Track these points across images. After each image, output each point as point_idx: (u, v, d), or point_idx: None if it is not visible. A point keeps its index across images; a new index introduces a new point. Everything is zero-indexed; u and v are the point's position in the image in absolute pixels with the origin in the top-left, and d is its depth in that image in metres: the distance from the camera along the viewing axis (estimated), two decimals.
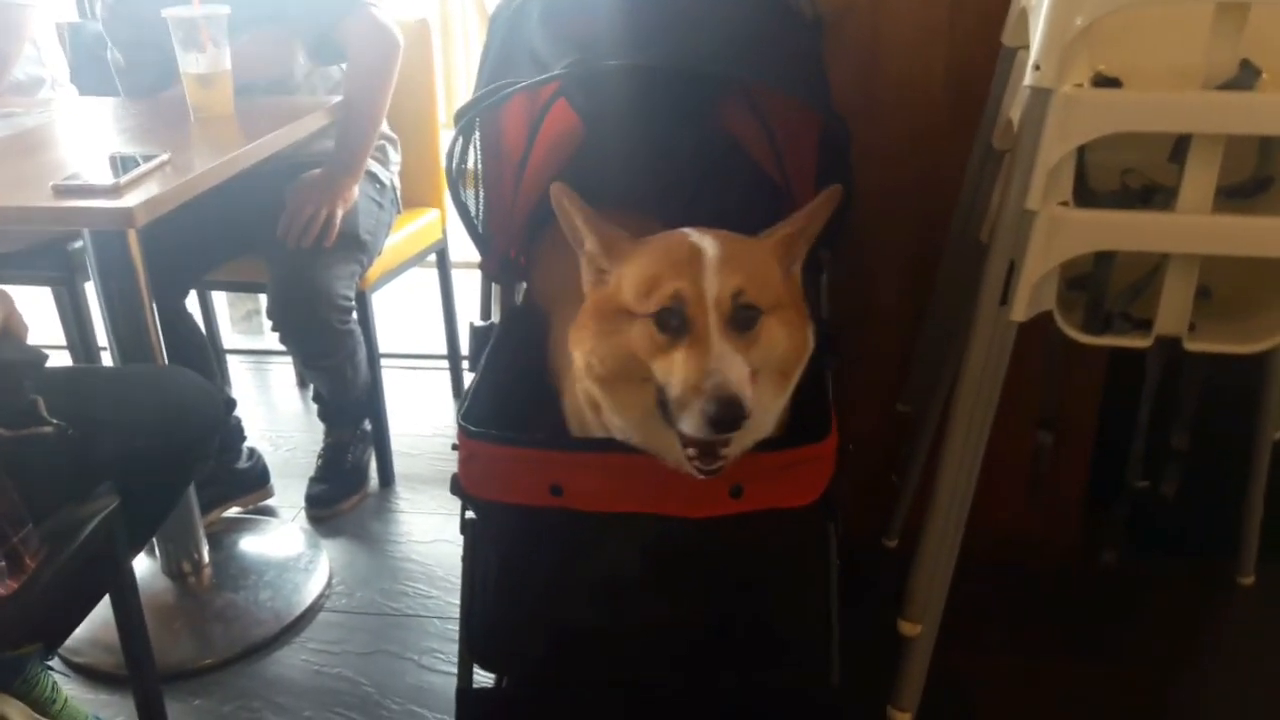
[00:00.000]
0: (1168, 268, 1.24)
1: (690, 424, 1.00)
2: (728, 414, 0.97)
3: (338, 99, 2.05)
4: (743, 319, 1.05)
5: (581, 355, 1.13)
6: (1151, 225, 1.22)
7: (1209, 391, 1.57)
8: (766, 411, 1.11)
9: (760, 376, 1.08)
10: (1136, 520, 1.65)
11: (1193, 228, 1.20)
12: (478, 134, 1.47)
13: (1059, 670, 1.73)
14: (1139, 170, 1.34)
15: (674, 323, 1.04)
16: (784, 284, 1.14)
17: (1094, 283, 1.30)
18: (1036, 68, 1.16)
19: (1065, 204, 1.23)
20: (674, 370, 1.03)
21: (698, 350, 1.02)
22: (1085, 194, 1.28)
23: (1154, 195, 1.31)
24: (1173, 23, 1.33)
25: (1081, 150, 1.22)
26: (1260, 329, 1.29)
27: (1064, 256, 1.23)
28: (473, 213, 1.52)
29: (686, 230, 1.15)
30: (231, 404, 2.27)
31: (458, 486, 1.24)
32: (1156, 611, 1.88)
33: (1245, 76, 1.16)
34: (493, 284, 1.61)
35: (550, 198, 1.19)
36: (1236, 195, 1.31)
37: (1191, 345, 1.28)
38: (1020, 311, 1.25)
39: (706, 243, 1.09)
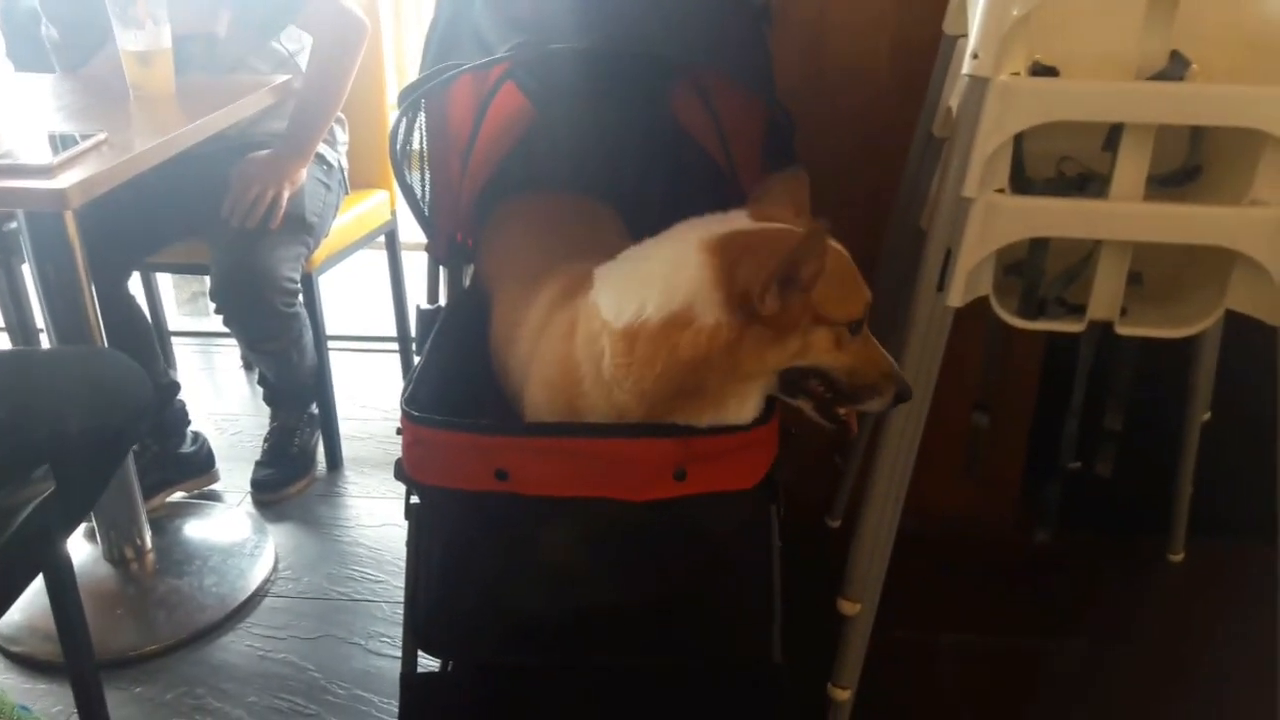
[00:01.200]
0: (1100, 254, 1.27)
1: (882, 403, 1.18)
2: (911, 392, 1.19)
3: (283, 78, 2.02)
4: None
5: (758, 358, 1.12)
6: (1084, 212, 1.24)
7: (1141, 374, 1.62)
8: None
9: None
10: (1070, 499, 1.69)
11: (1125, 215, 1.23)
12: (423, 115, 1.46)
13: (996, 645, 1.78)
14: (1075, 158, 1.36)
15: (857, 325, 1.15)
16: None
17: (1029, 269, 1.33)
18: (974, 56, 1.18)
19: (1001, 191, 1.25)
20: (860, 362, 1.15)
21: (874, 347, 1.18)
22: (1022, 182, 1.31)
23: (1089, 183, 1.34)
24: (1107, 13, 1.36)
25: (1019, 138, 1.24)
26: (1190, 314, 1.33)
27: (1000, 243, 1.26)
28: (418, 195, 1.51)
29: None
30: (175, 387, 2.24)
31: (401, 472, 1.24)
32: (1089, 588, 1.93)
33: (1175, 67, 1.20)
34: (440, 267, 1.61)
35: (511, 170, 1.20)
36: (1168, 183, 1.34)
37: (1123, 329, 1.31)
38: (956, 297, 1.28)
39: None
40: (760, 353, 1.11)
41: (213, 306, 2.06)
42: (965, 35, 1.40)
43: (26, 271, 2.12)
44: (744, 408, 1.16)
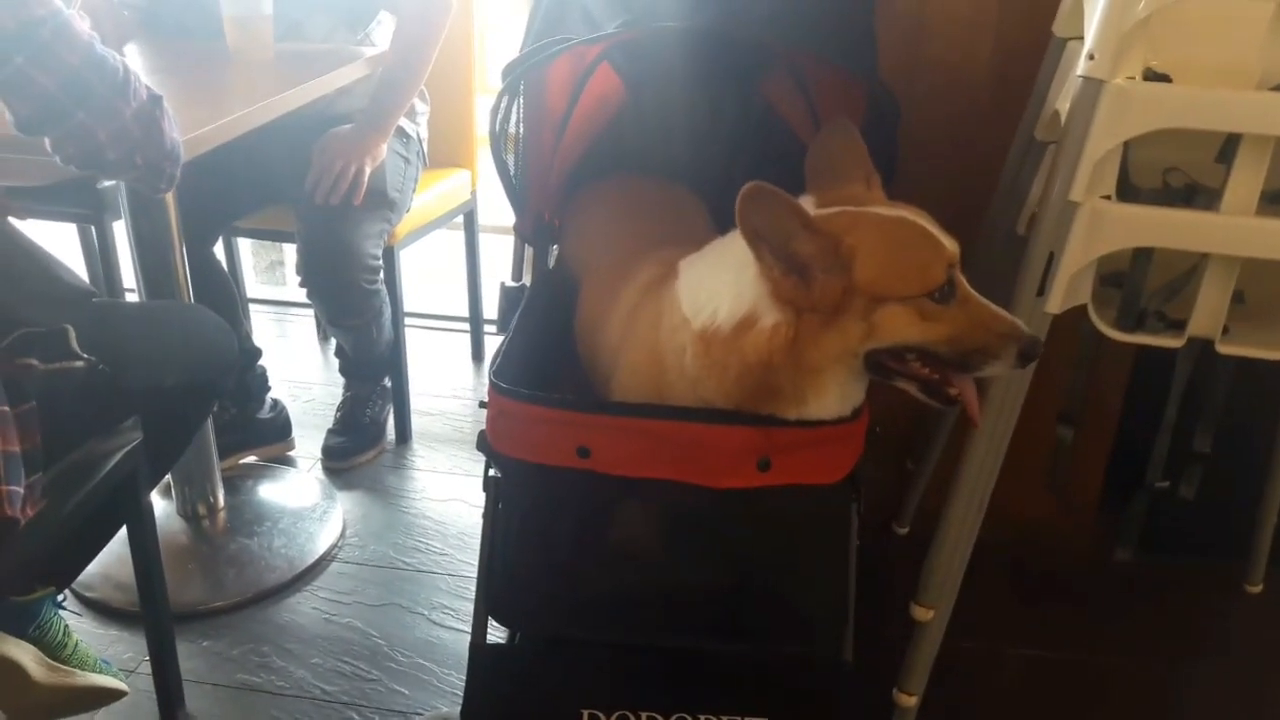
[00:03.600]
0: (1206, 269, 1.24)
1: (1004, 365, 1.09)
2: (1038, 345, 1.09)
3: (375, 50, 2.04)
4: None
5: (813, 347, 1.09)
6: (1194, 224, 1.21)
7: (1232, 396, 1.57)
8: None
9: None
10: (1151, 519, 1.65)
11: (1236, 229, 1.20)
12: (521, 93, 1.46)
13: (1063, 663, 1.74)
14: (1182, 169, 1.33)
15: (947, 291, 1.08)
16: None
17: (1130, 280, 1.30)
18: (1090, 57, 1.16)
19: (1108, 198, 1.22)
20: (961, 328, 1.08)
21: (979, 307, 1.10)
22: (1128, 190, 1.28)
23: (1195, 195, 1.30)
24: (1226, 21, 1.32)
25: (1126, 145, 1.21)
26: None
27: (1104, 250, 1.23)
28: (512, 173, 1.52)
29: (879, 209, 1.14)
30: (257, 352, 2.28)
31: (484, 443, 1.24)
32: (1164, 611, 1.88)
33: None
34: (526, 245, 1.61)
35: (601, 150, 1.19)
36: (1278, 201, 1.30)
37: (1225, 348, 1.28)
38: (1056, 303, 1.25)
39: (918, 215, 1.13)
40: (818, 343, 1.08)
41: (296, 279, 2.09)
42: (1077, 38, 1.38)
43: (118, 229, 2.16)
44: (824, 401, 1.13)
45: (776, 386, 1.11)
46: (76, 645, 1.50)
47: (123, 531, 1.49)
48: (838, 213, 1.11)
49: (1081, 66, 1.18)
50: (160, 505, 2.04)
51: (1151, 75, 1.23)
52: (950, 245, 1.10)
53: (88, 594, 1.87)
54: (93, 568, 1.89)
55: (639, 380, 1.22)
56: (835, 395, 1.13)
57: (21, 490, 1.12)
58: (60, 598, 1.53)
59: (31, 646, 1.36)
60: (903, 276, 1.07)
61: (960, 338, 1.08)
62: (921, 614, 1.47)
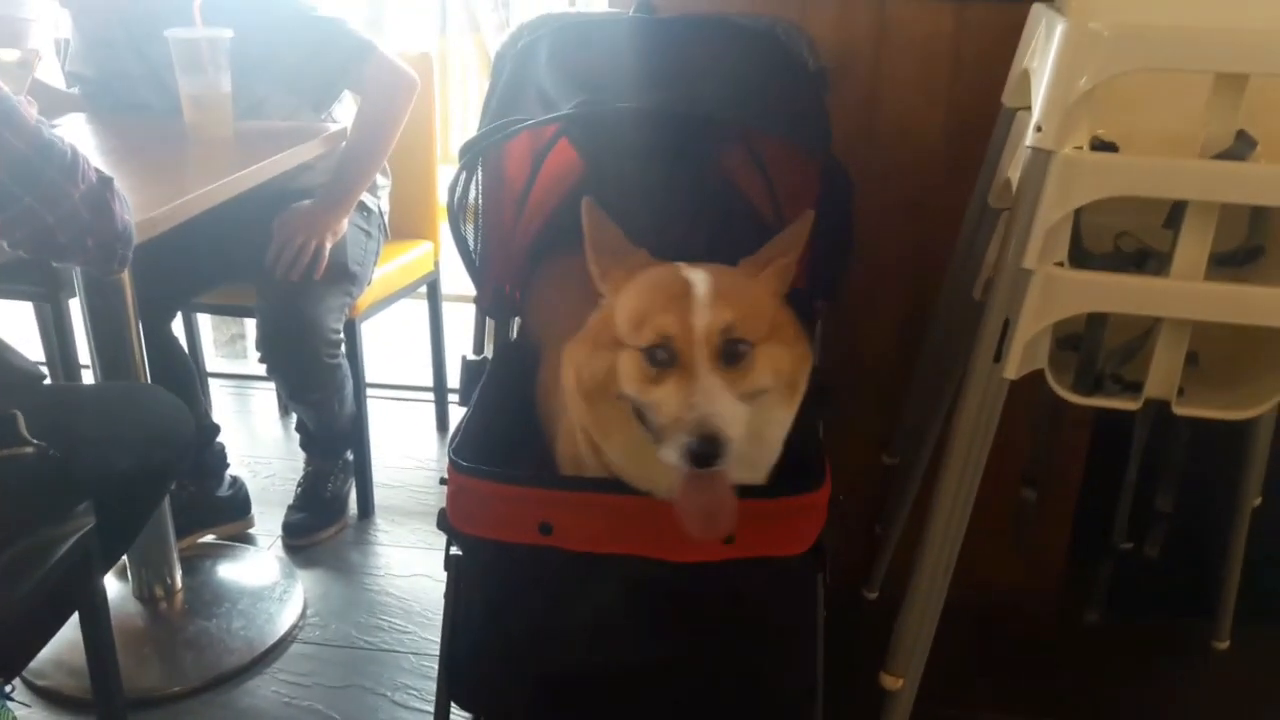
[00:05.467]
0: (1160, 332, 1.26)
1: (672, 456, 1.01)
2: (708, 449, 0.99)
3: (336, 126, 2.05)
4: (732, 353, 1.06)
5: (574, 368, 1.15)
6: (1146, 289, 1.23)
7: (1191, 455, 1.58)
8: (778, 425, 1.14)
9: (770, 395, 1.11)
10: (1117, 580, 1.65)
11: (1186, 293, 1.22)
12: (480, 169, 1.47)
13: None
14: (1133, 234, 1.35)
15: (662, 356, 1.06)
16: (778, 311, 1.15)
17: (1086, 344, 1.31)
18: (1038, 129, 1.18)
19: (1061, 264, 1.24)
20: (661, 402, 1.05)
21: (684, 383, 1.04)
22: (1080, 255, 1.30)
23: (1146, 259, 1.33)
24: (1169, 90, 1.36)
25: (1077, 212, 1.24)
26: (1248, 396, 1.31)
27: (1059, 316, 1.24)
28: (471, 247, 1.52)
29: (680, 265, 1.15)
30: (215, 429, 2.24)
31: (444, 521, 1.23)
32: (1133, 672, 1.88)
33: (1241, 147, 1.19)
34: (487, 318, 1.61)
35: (560, 223, 1.21)
36: (1228, 263, 1.33)
37: (1180, 409, 1.29)
38: (1013, 369, 1.26)
39: (698, 278, 1.10)
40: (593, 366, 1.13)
41: (257, 355, 2.07)
42: (1025, 108, 1.41)
43: (74, 307, 2.14)
44: (612, 443, 1.14)
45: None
46: None
47: (75, 616, 1.45)
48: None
49: (1030, 137, 1.20)
50: (115, 587, 1.99)
51: (1099, 145, 1.26)
52: (691, 317, 1.06)
53: (39, 682, 1.81)
54: (44, 654, 1.81)
55: (566, 447, 1.22)
56: (620, 441, 1.13)
57: None
58: (9, 688, 1.48)
59: None
60: (631, 323, 1.09)
61: (657, 407, 1.05)
62: (891, 683, 1.45)
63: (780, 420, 1.15)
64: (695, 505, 1.04)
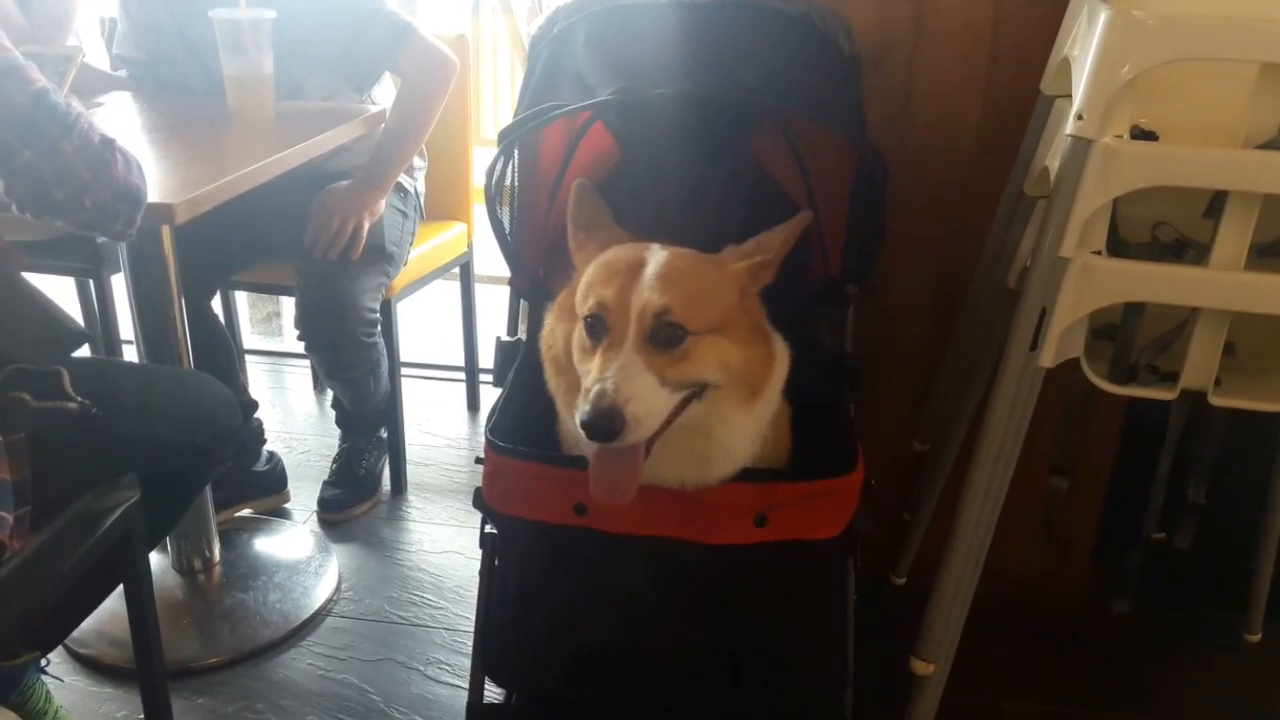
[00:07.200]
0: (1197, 322, 1.25)
1: (575, 423, 1.05)
2: (603, 423, 1.01)
3: (376, 108, 2.07)
4: (665, 337, 1.07)
5: (546, 333, 1.20)
6: (1185, 279, 1.23)
7: (1224, 446, 1.58)
8: (729, 425, 1.14)
9: (723, 392, 1.11)
10: (1148, 571, 1.65)
11: (1225, 284, 1.21)
12: (516, 153, 1.48)
13: (1064, 716, 1.73)
14: (1171, 224, 1.35)
15: (597, 327, 1.08)
16: (738, 306, 1.15)
17: (1122, 333, 1.31)
18: (1079, 117, 1.18)
19: (1098, 253, 1.24)
20: (588, 371, 1.08)
21: (609, 357, 1.06)
22: (1117, 244, 1.29)
23: (1184, 250, 1.32)
24: (1211, 79, 1.35)
25: (1115, 201, 1.23)
26: None
27: (1095, 305, 1.24)
28: (506, 230, 1.53)
29: (651, 245, 1.16)
30: (254, 406, 2.28)
31: (480, 500, 1.25)
32: (1162, 663, 1.88)
33: None
34: (521, 300, 1.62)
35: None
36: (1267, 254, 1.32)
37: (1217, 400, 1.29)
38: (1049, 357, 1.26)
39: (654, 258, 1.12)
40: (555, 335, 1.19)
41: (295, 333, 2.10)
42: (1065, 96, 1.40)
43: (116, 283, 2.18)
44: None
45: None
46: (57, 712, 1.49)
47: (118, 588, 1.48)
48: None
49: (1070, 125, 1.20)
50: (155, 560, 2.03)
51: (1139, 133, 1.25)
52: (630, 294, 1.08)
53: (81, 651, 1.85)
54: (86, 623, 1.87)
55: (565, 423, 1.25)
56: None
57: (10, 518, 1.12)
58: (43, 663, 1.52)
59: (12, 713, 1.35)
60: (582, 291, 1.13)
61: (585, 375, 1.08)
62: (922, 668, 1.46)
63: (735, 423, 1.14)
64: (596, 474, 1.07)
